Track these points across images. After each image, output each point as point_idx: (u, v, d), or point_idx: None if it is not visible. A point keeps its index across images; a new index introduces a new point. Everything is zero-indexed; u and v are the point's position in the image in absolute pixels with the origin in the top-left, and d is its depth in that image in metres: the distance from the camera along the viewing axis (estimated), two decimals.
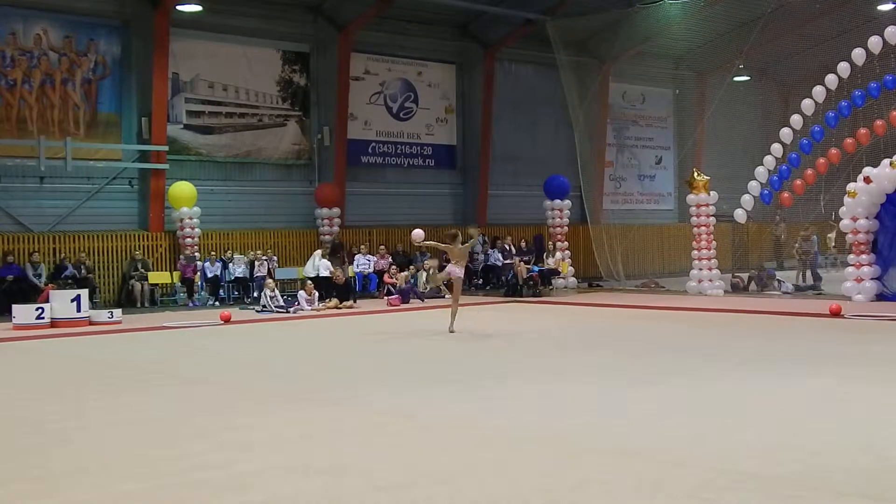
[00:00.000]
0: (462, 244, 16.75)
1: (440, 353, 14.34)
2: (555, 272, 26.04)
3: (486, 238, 28.07)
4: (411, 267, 24.80)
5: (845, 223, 20.83)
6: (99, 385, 11.64)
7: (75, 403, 10.28)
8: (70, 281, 20.76)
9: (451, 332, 16.09)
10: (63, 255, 21.97)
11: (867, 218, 20.52)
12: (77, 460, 7.59)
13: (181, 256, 23.30)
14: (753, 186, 23.41)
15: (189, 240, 23.52)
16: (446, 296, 23.71)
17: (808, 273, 25.17)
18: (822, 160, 22.57)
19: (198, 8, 23.76)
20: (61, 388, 11.54)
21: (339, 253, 24.62)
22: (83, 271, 21.69)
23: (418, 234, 16.73)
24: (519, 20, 28.96)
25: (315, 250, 24.38)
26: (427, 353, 14.38)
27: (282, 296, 21.70)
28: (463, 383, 10.92)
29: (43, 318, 17.96)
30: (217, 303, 22.89)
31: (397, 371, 12.23)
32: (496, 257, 27.55)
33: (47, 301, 18.39)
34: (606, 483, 6.48)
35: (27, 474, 7.13)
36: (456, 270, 16.51)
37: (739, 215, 23.78)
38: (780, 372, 11.24)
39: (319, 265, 23.23)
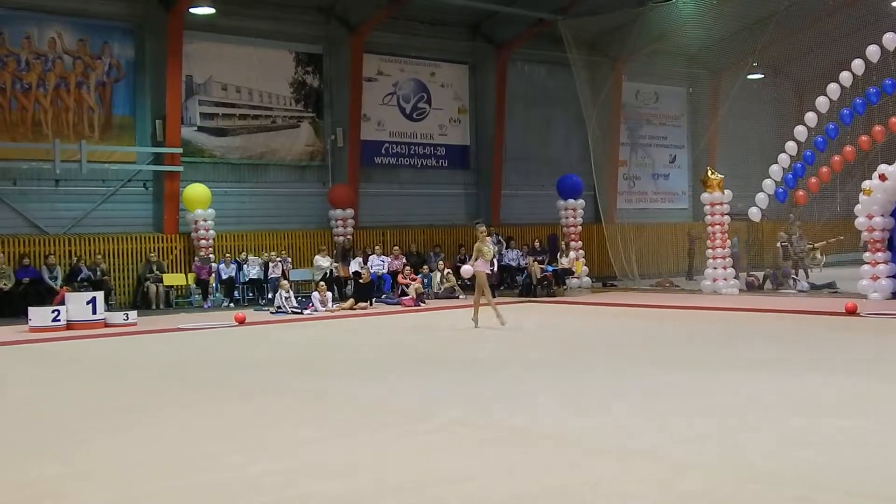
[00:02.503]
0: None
1: (451, 353, 14.35)
2: (569, 272, 26.00)
3: (501, 238, 28.08)
4: (424, 267, 24.81)
5: (860, 221, 20.72)
6: (114, 386, 11.71)
7: (90, 405, 10.34)
8: (85, 283, 20.85)
9: (476, 323, 16.91)
10: (78, 257, 22.07)
11: (883, 216, 20.42)
12: (92, 462, 7.64)
13: (196, 258, 23.38)
14: (768, 185, 23.33)
15: (203, 241, 23.59)
16: (460, 296, 23.90)
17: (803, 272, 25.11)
18: (837, 158, 22.47)
19: (211, 10, 23.80)
20: (76, 389, 11.62)
21: (348, 257, 24.71)
22: (98, 273, 21.79)
23: (466, 270, 17.92)
24: (531, 20, 28.91)
25: (315, 255, 24.49)
26: (438, 353, 14.39)
27: (296, 297, 21.77)
28: (473, 383, 10.93)
29: (59, 320, 18.02)
30: (232, 304, 22.94)
31: (409, 371, 12.24)
32: (510, 257, 27.53)
33: (63, 303, 18.47)
34: (616, 483, 6.48)
35: (42, 476, 7.18)
36: (477, 266, 17.25)
37: (754, 214, 23.69)
38: (794, 370, 11.21)
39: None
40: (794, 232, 25.49)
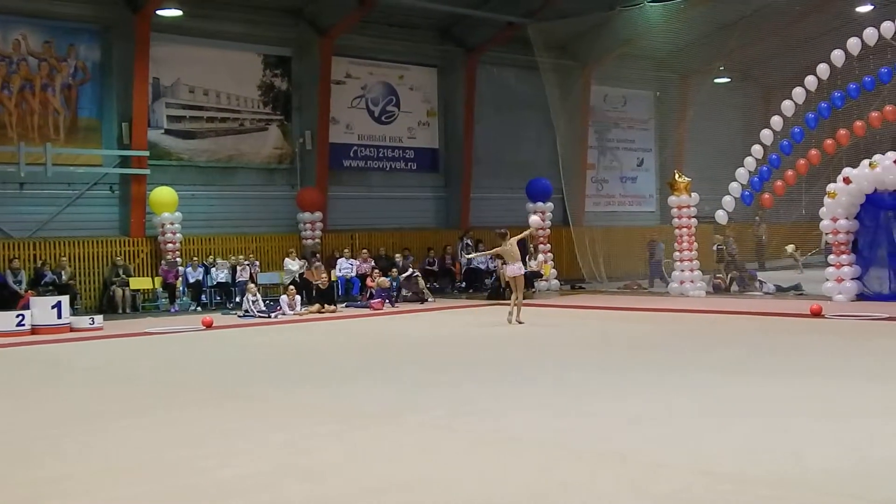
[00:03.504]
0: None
1: (422, 355, 14.34)
2: (537, 274, 26.03)
3: (471, 241, 28.13)
4: (393, 270, 24.76)
5: (825, 224, 20.92)
6: (80, 392, 11.60)
7: (56, 410, 10.23)
8: (50, 287, 20.62)
9: (520, 322, 17.84)
10: (43, 261, 21.81)
11: (847, 218, 20.62)
12: (61, 468, 7.55)
13: (163, 262, 23.19)
14: (734, 188, 23.50)
15: (170, 245, 23.38)
16: (430, 299, 23.95)
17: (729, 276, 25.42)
18: (802, 161, 22.67)
19: (178, 12, 23.63)
20: (41, 395, 11.50)
21: (314, 259, 24.54)
22: (64, 277, 21.55)
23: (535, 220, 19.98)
24: (501, 24, 28.97)
25: (285, 258, 24.39)
26: (409, 355, 14.36)
27: (264, 300, 21.66)
28: (446, 385, 10.93)
29: (23, 324, 17.82)
30: (199, 308, 22.76)
31: (381, 373, 12.22)
32: (479, 260, 27.54)
33: (27, 307, 18.26)
34: (588, 485, 6.49)
35: (12, 483, 7.08)
36: (512, 269, 18.23)
37: (720, 216, 23.87)
38: (762, 372, 11.30)
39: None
40: (761, 233, 25.74)
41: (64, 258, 22.16)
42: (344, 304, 22.83)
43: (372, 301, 22.85)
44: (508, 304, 18.46)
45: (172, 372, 13.33)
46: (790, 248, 28.05)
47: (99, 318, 19.01)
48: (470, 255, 24.24)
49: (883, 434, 7.79)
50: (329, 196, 26.93)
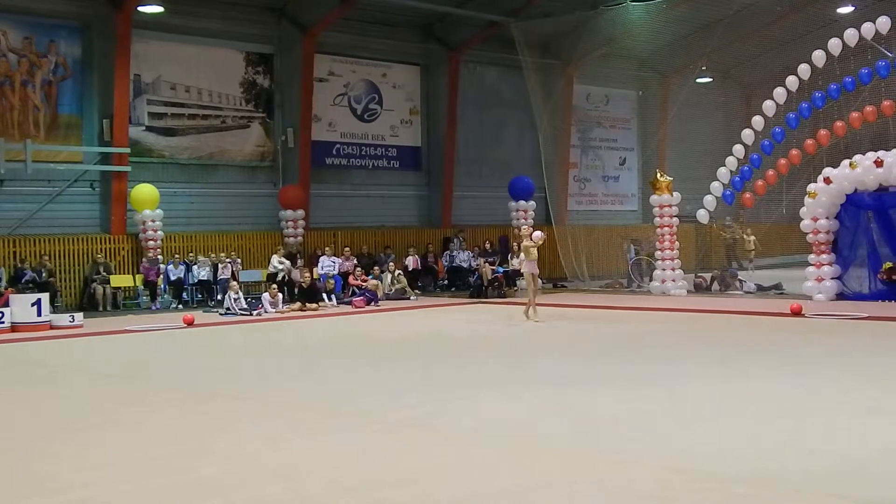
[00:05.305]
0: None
1: (401, 353, 14.32)
2: (519, 273, 26.03)
3: (457, 238, 28.16)
4: (375, 268, 24.75)
5: (806, 223, 21.03)
6: (58, 390, 11.54)
7: (32, 409, 10.17)
8: (31, 285, 20.50)
9: (533, 320, 18.26)
10: (23, 258, 21.68)
11: (827, 218, 20.74)
12: (40, 467, 7.50)
13: (144, 259, 23.10)
14: (716, 187, 23.60)
15: (152, 242, 23.29)
16: (412, 297, 23.96)
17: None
18: (783, 161, 22.79)
19: (160, 9, 23.53)
20: (18, 393, 11.43)
21: (294, 259, 24.46)
22: (44, 275, 21.42)
23: (538, 235, 19.56)
24: (484, 22, 28.99)
25: (272, 254, 24.31)
26: (389, 353, 14.35)
27: (245, 298, 21.61)
28: (426, 385, 10.93)
29: (3, 322, 17.74)
30: (180, 306, 22.69)
31: (362, 371, 12.20)
32: (462, 258, 27.58)
33: (7, 305, 18.16)
34: (567, 483, 6.50)
35: None
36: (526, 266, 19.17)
37: (702, 216, 23.96)
38: (741, 371, 11.35)
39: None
40: (735, 234, 25.82)
41: (44, 256, 22.03)
42: (336, 303, 22.84)
43: (354, 299, 22.85)
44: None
45: (152, 370, 13.28)
46: (751, 238, 28.05)
47: (79, 316, 18.92)
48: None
49: (862, 432, 7.85)
50: (311, 194, 26.87)
